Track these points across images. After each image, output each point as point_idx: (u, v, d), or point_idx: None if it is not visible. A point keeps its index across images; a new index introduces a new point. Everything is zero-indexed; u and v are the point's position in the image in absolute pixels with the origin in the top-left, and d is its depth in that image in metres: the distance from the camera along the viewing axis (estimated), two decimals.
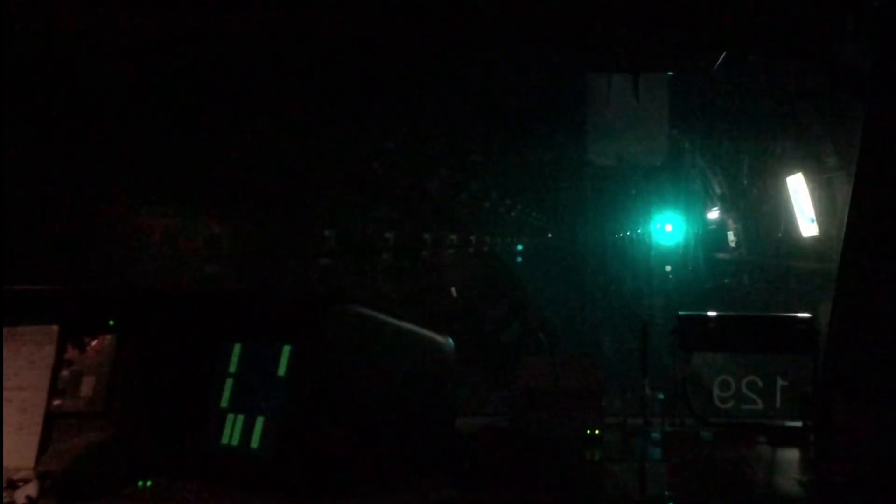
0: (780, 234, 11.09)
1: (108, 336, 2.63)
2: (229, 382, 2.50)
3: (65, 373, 2.59)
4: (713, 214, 15.81)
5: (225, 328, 2.60)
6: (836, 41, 3.27)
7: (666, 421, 3.26)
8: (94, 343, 2.62)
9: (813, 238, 9.79)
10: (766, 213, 11.99)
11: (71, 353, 2.62)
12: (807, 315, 3.29)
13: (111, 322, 2.65)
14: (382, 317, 2.62)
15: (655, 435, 3.18)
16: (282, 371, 2.42)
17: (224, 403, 2.49)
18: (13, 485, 2.28)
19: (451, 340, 2.88)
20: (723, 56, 4.06)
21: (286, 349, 2.43)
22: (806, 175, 9.71)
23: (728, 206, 14.39)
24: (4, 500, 2.26)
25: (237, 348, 2.53)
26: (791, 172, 10.21)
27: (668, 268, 17.23)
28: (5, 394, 2.54)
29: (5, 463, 2.40)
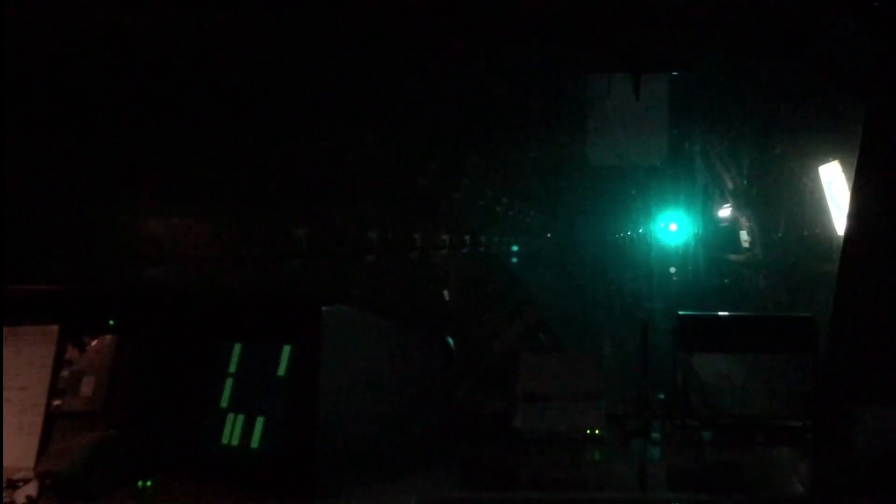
0: (806, 233, 9.90)
1: (108, 336, 2.63)
2: (229, 382, 2.50)
3: (65, 373, 2.59)
4: (724, 212, 14.60)
5: (225, 328, 2.60)
6: (836, 41, 3.27)
7: (666, 421, 3.26)
8: (94, 343, 2.62)
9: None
10: (790, 209, 10.71)
11: (71, 353, 2.62)
12: (807, 315, 3.29)
13: (111, 322, 2.65)
14: (382, 317, 2.62)
15: (655, 435, 3.18)
16: (282, 371, 2.42)
17: (224, 403, 2.48)
18: (13, 485, 2.29)
19: (451, 340, 2.88)
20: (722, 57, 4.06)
21: (286, 349, 2.43)
22: (844, 164, 8.21)
23: (742, 201, 13.04)
24: (4, 500, 2.26)
25: (237, 348, 2.53)
26: (824, 161, 8.92)
27: (673, 269, 16.50)
28: (5, 394, 2.54)
29: (5, 463, 2.40)
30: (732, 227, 14.11)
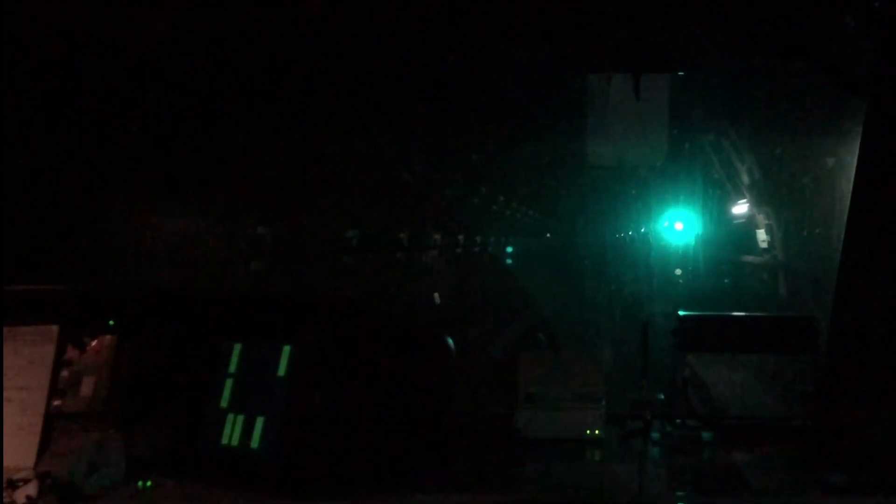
0: (836, 231, 8.64)
1: (108, 336, 2.63)
2: (229, 382, 2.50)
3: (65, 373, 2.59)
4: (739, 209, 13.07)
5: (225, 328, 2.60)
6: (836, 41, 3.27)
7: (666, 421, 3.26)
8: (94, 343, 2.62)
9: None
10: (818, 206, 9.46)
11: (71, 353, 2.62)
12: (807, 315, 3.29)
13: (111, 322, 2.65)
14: (382, 316, 2.62)
15: (655, 435, 3.18)
16: (282, 371, 2.42)
17: (224, 403, 2.49)
18: (13, 485, 2.28)
19: (451, 340, 2.88)
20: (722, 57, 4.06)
21: (286, 349, 2.43)
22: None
23: (760, 197, 11.62)
24: (4, 500, 2.26)
25: (237, 348, 2.53)
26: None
27: (679, 271, 15.65)
28: (5, 394, 2.54)
29: (5, 463, 2.40)
30: (748, 225, 12.68)
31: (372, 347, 2.55)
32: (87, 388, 2.56)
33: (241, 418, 2.43)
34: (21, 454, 2.47)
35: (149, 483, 2.39)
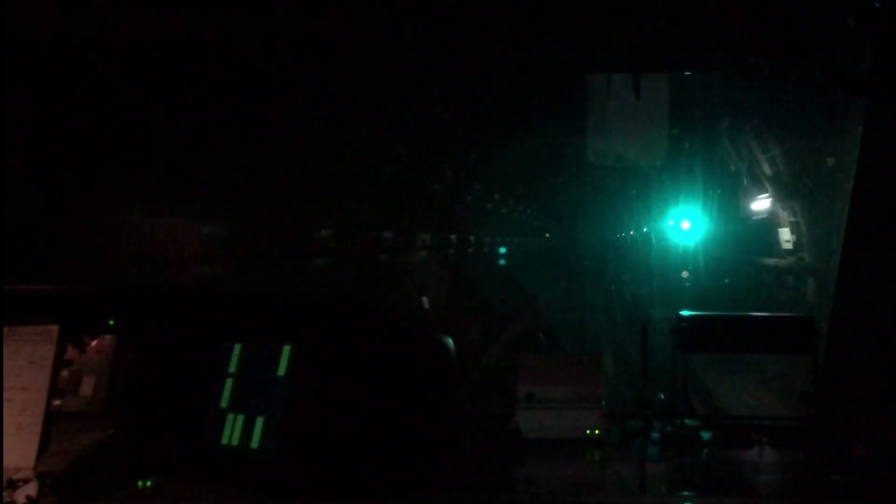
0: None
1: (108, 336, 2.63)
2: (229, 382, 2.50)
3: (65, 373, 2.59)
4: (759, 204, 11.47)
5: (225, 328, 2.60)
6: (836, 41, 3.27)
7: (666, 421, 3.26)
8: (94, 343, 2.62)
9: None
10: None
11: (71, 353, 2.62)
12: (807, 315, 3.29)
13: (111, 322, 2.65)
14: (382, 317, 2.62)
15: (655, 435, 3.18)
16: (282, 371, 2.42)
17: (224, 403, 2.48)
18: (13, 485, 2.28)
19: (451, 340, 2.88)
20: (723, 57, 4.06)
21: (286, 349, 2.43)
22: None
23: (785, 191, 9.99)
24: (4, 500, 2.26)
25: (237, 348, 2.53)
26: None
27: (686, 274, 14.36)
28: (5, 394, 2.54)
29: (5, 463, 2.40)
30: (768, 223, 11.22)
31: (372, 347, 2.55)
32: (87, 388, 2.56)
33: (241, 418, 2.43)
34: (21, 454, 2.47)
35: (149, 483, 2.39)
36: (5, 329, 2.60)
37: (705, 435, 3.20)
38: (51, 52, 3.66)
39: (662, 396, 3.28)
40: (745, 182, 11.70)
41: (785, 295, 10.51)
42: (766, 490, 2.69)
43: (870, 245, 2.99)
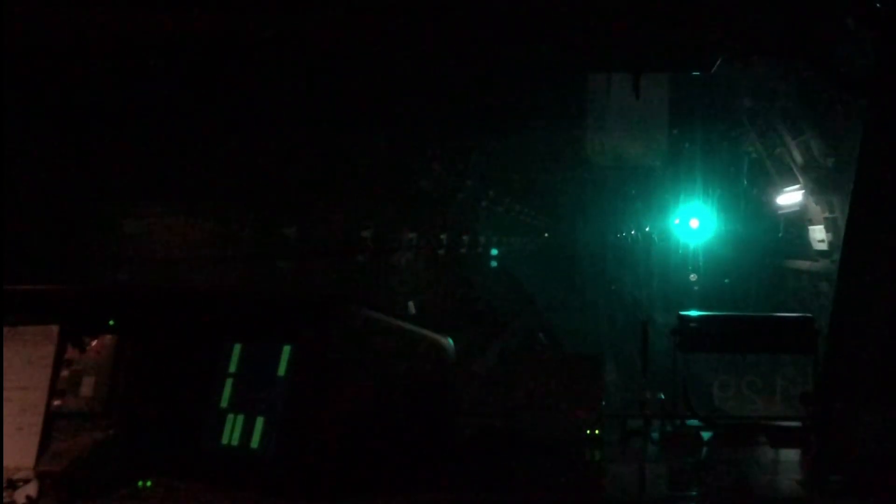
0: None
1: (108, 336, 2.63)
2: (229, 382, 2.50)
3: (65, 373, 2.59)
4: (786, 198, 9.85)
5: (225, 328, 2.60)
6: (836, 41, 3.27)
7: (666, 421, 3.26)
8: (94, 343, 2.62)
9: None
10: None
11: (71, 353, 2.62)
12: (807, 315, 3.29)
13: (111, 322, 2.65)
14: (382, 317, 2.62)
15: (655, 435, 3.18)
16: (282, 371, 2.42)
17: (224, 403, 2.48)
18: (13, 485, 2.29)
19: (451, 341, 2.88)
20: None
21: (286, 349, 2.43)
22: None
23: (821, 182, 8.49)
24: (4, 500, 2.26)
25: (237, 348, 2.53)
26: None
27: (694, 277, 13.08)
28: (5, 394, 2.54)
29: (5, 463, 2.40)
30: (795, 221, 9.74)
31: (372, 347, 2.55)
32: (87, 388, 2.56)
33: (241, 418, 2.43)
34: (21, 454, 2.47)
35: (149, 483, 2.39)
36: (5, 329, 2.60)
37: (705, 435, 3.20)
38: (51, 53, 3.66)
39: (662, 396, 3.28)
40: (770, 172, 10.20)
41: (818, 304, 8.91)
42: (766, 490, 2.69)
43: (870, 245, 2.99)
